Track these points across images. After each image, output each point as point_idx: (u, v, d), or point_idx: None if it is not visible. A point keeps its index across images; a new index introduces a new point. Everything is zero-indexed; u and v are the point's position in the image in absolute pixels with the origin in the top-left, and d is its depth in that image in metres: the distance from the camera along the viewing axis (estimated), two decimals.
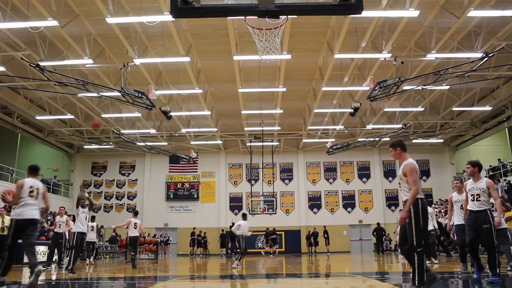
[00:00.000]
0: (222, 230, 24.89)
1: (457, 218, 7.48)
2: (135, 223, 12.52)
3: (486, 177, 7.69)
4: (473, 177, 6.14)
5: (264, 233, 23.27)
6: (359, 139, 24.08)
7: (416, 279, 4.36)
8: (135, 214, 13.35)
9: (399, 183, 4.94)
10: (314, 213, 26.79)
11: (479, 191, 5.95)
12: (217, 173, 27.45)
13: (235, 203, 26.76)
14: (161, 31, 13.95)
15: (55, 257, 13.40)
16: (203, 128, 23.39)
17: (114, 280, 8.74)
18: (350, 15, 11.00)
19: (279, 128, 23.08)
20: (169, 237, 25.31)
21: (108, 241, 23.69)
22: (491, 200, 6.15)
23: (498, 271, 5.58)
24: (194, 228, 24.37)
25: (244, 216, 12.87)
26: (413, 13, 11.86)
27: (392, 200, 26.89)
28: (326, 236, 23.91)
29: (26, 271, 11.27)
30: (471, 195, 6.02)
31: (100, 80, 16.65)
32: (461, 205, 7.28)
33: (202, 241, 24.29)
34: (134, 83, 17.61)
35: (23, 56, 14.24)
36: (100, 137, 24.39)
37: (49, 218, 18.35)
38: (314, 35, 15.30)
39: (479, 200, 5.92)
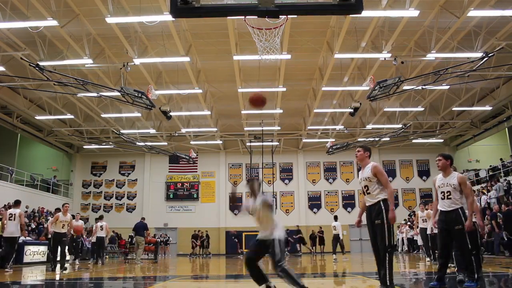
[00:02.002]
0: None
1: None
2: (101, 226, 14.46)
3: (492, 179, 7.04)
4: (444, 172, 5.34)
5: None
6: (359, 139, 24.07)
7: (388, 279, 4.49)
8: (100, 218, 15.17)
9: (365, 186, 4.87)
10: (314, 213, 26.78)
11: (450, 188, 5.18)
12: (217, 173, 27.44)
13: (235, 203, 26.73)
14: (161, 31, 13.94)
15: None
16: (203, 128, 23.37)
17: (114, 280, 8.74)
18: (350, 15, 10.99)
19: (279, 128, 23.07)
20: (168, 237, 25.29)
21: (108, 241, 23.67)
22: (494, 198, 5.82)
23: (476, 276, 4.97)
24: (198, 231, 24.18)
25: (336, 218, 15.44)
26: (413, 13, 11.85)
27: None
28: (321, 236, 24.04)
29: (26, 271, 11.26)
30: (441, 192, 5.25)
31: (100, 80, 16.63)
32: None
33: (205, 241, 24.28)
34: (134, 83, 17.60)
35: (23, 56, 14.23)
36: (99, 137, 24.38)
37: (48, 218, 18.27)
38: (314, 35, 15.29)
39: (450, 198, 5.16)
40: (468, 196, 5.14)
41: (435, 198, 5.51)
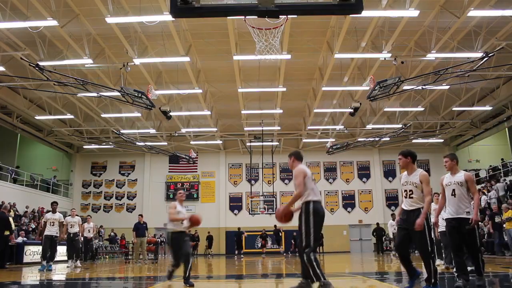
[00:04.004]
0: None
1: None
2: (88, 229, 14.80)
3: (490, 179, 6.65)
4: (407, 170, 5.16)
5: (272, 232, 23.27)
6: (359, 139, 24.06)
7: (314, 277, 4.67)
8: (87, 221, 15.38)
9: (410, 190, 5.15)
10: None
11: (412, 187, 4.96)
12: (217, 173, 27.43)
13: (235, 203, 26.75)
14: (161, 31, 13.93)
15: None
16: (203, 128, 23.36)
17: (113, 280, 8.73)
18: (350, 15, 10.98)
19: (279, 128, 23.07)
20: (165, 238, 25.19)
21: (108, 240, 23.67)
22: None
23: (433, 280, 4.71)
24: (195, 232, 24.25)
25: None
26: (413, 13, 11.85)
27: (392, 200, 26.87)
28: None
29: (26, 271, 11.27)
30: (404, 191, 5.06)
31: (99, 80, 16.63)
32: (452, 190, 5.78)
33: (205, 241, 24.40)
34: (133, 83, 17.59)
35: (23, 56, 14.22)
36: (99, 137, 24.38)
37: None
38: (314, 35, 15.28)
39: (412, 198, 4.94)
40: (428, 194, 4.91)
41: (441, 196, 5.52)
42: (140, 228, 14.73)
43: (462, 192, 5.22)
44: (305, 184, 4.93)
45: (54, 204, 11.60)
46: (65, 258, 13.44)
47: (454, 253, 5.26)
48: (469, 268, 5.77)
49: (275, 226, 23.15)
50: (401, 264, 5.08)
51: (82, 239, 13.41)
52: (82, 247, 13.47)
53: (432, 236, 5.06)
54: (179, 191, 7.46)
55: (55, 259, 12.74)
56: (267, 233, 22.64)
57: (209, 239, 25.01)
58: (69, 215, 13.28)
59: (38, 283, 8.13)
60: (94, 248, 18.05)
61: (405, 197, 5.03)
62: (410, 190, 4.98)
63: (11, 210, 16.48)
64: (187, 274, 6.46)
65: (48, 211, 12.73)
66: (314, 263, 4.63)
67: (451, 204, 5.29)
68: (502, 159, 22.13)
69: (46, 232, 11.11)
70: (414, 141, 25.07)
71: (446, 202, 5.40)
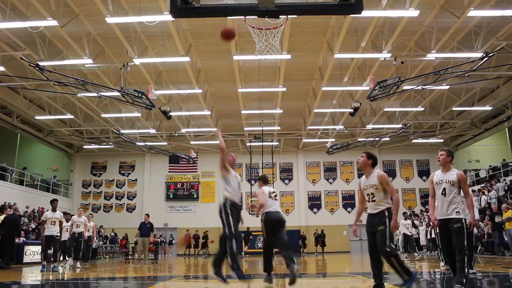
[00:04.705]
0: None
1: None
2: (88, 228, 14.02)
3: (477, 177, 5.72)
4: (364, 172, 4.98)
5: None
6: (359, 139, 24.06)
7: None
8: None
9: (371, 193, 5.08)
10: (314, 213, 26.78)
11: (372, 189, 4.81)
12: (217, 173, 27.38)
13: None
14: (161, 30, 13.93)
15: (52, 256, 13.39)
16: (203, 128, 23.36)
17: (113, 280, 8.73)
18: (350, 15, 10.98)
19: (279, 128, 23.07)
20: (165, 238, 25.16)
21: (108, 241, 23.68)
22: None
23: (406, 277, 4.71)
24: (187, 230, 24.39)
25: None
26: (413, 13, 11.85)
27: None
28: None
29: (26, 271, 11.26)
30: (366, 194, 4.90)
31: (99, 80, 16.62)
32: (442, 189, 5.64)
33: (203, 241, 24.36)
34: (133, 83, 17.59)
35: (23, 56, 14.22)
36: (99, 137, 24.37)
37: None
38: (314, 35, 15.28)
39: (374, 201, 4.80)
40: (393, 193, 4.78)
41: (431, 195, 5.25)
42: (143, 228, 14.73)
43: (453, 191, 4.96)
44: (262, 197, 6.59)
45: (54, 202, 10.94)
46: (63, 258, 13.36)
47: (447, 256, 5.08)
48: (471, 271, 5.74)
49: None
50: (372, 270, 4.90)
51: (87, 237, 13.11)
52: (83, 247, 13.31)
53: (428, 237, 5.00)
54: (231, 154, 6.81)
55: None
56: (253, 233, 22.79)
57: (206, 238, 24.98)
58: (72, 215, 13.25)
59: (38, 283, 8.12)
60: (92, 248, 17.99)
61: (368, 201, 4.87)
62: (371, 194, 4.83)
63: (11, 210, 16.46)
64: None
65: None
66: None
67: (440, 204, 5.03)
68: (503, 160, 22.11)
69: (46, 232, 10.51)
70: (414, 141, 25.07)
71: (436, 202, 5.14)
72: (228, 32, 5.52)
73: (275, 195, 6.71)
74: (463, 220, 4.85)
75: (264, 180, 6.98)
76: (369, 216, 4.87)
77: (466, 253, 4.85)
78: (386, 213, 4.73)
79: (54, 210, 10.77)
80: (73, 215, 13.31)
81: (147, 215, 15.55)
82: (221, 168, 6.25)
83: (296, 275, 5.51)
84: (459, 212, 4.90)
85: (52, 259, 10.67)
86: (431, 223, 10.38)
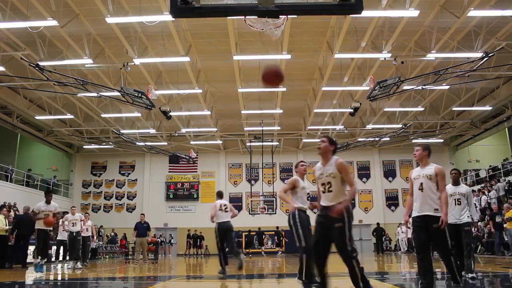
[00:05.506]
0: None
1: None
2: (86, 228, 13.46)
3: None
4: (323, 159, 4.48)
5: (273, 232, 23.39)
6: (359, 139, 24.07)
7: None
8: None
9: (327, 183, 4.68)
10: (314, 213, 26.58)
11: (329, 178, 4.31)
12: (217, 173, 27.42)
13: (235, 203, 26.62)
14: (161, 30, 13.93)
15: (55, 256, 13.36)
16: (203, 128, 23.36)
17: (113, 280, 8.74)
18: (350, 15, 10.98)
19: (279, 128, 23.06)
20: (165, 238, 25.16)
21: (108, 241, 23.68)
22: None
23: (361, 285, 4.25)
24: (188, 230, 24.45)
25: None
26: (413, 13, 11.84)
27: (392, 200, 26.88)
28: None
29: (27, 271, 11.25)
30: (322, 184, 4.39)
31: (99, 80, 16.62)
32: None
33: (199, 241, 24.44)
34: (133, 83, 17.59)
35: (23, 56, 14.22)
36: (99, 137, 24.38)
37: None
38: (314, 35, 15.28)
39: (331, 191, 4.29)
40: (352, 184, 4.29)
41: (410, 192, 4.97)
42: (140, 228, 14.54)
43: (430, 186, 4.66)
44: (214, 210, 8.34)
45: (48, 194, 10.04)
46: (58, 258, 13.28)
47: (418, 256, 4.69)
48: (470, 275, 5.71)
49: (277, 227, 23.22)
50: (316, 269, 4.40)
51: (85, 233, 12.57)
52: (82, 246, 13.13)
53: (404, 238, 4.68)
54: (301, 163, 6.24)
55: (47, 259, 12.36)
56: (266, 233, 22.75)
57: (201, 239, 25.02)
58: (66, 214, 13.12)
59: (38, 283, 8.12)
60: (92, 248, 17.96)
61: (323, 192, 4.34)
62: (328, 183, 4.31)
63: (11, 210, 16.47)
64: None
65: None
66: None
67: (417, 200, 4.75)
68: (505, 159, 22.09)
69: (38, 226, 9.71)
70: (414, 141, 25.03)
71: (414, 198, 4.86)
72: (274, 74, 4.65)
73: (226, 208, 8.35)
74: (345, 219, 4.35)
75: (218, 195, 8.70)
76: (323, 208, 4.33)
77: (453, 253, 4.65)
78: (346, 207, 4.19)
79: (48, 202, 9.88)
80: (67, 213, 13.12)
81: (143, 214, 15.53)
82: (286, 191, 5.97)
83: (242, 263, 8.13)
84: (437, 209, 4.60)
85: (39, 257, 9.67)
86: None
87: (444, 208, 4.60)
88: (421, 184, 4.73)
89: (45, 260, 10.06)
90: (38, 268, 9.54)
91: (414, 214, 4.77)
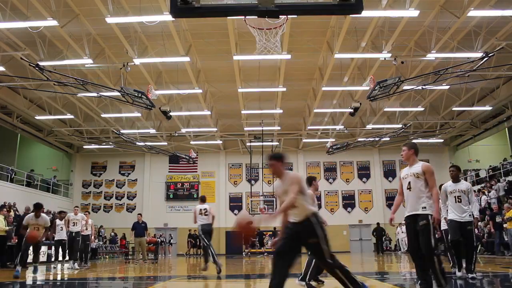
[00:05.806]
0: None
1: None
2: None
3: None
4: (277, 175, 4.22)
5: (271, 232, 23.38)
6: (359, 139, 24.07)
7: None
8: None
9: (409, 183, 4.91)
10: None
11: (286, 187, 4.07)
12: (217, 173, 27.42)
13: (235, 203, 26.73)
14: (161, 30, 13.93)
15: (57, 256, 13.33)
16: (203, 128, 23.36)
17: (113, 280, 8.73)
18: (350, 15, 10.98)
19: (279, 128, 23.06)
20: (165, 238, 25.16)
21: (108, 241, 23.68)
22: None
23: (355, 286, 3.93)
24: (189, 230, 24.50)
25: None
26: (413, 13, 11.85)
27: (392, 200, 26.84)
28: None
29: (28, 271, 11.25)
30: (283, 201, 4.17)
31: (99, 80, 16.62)
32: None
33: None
34: (133, 83, 17.59)
35: (23, 56, 14.21)
36: (99, 137, 24.38)
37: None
38: (314, 35, 15.28)
39: (296, 207, 4.04)
40: (305, 198, 4.02)
41: (399, 192, 4.99)
42: (138, 228, 14.55)
43: (418, 185, 4.64)
44: (195, 214, 9.51)
45: (38, 208, 9.21)
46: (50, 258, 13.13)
47: (412, 256, 4.71)
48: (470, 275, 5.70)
49: (274, 228, 23.17)
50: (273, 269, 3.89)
51: (85, 234, 12.42)
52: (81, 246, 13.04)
53: (404, 238, 4.54)
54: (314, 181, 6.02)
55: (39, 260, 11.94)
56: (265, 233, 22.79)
57: (197, 238, 25.09)
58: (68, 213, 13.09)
59: (38, 283, 8.12)
60: (92, 248, 17.92)
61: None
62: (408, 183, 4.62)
63: (11, 210, 16.46)
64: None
65: (32, 213, 9.48)
66: None
67: (407, 200, 4.76)
68: (504, 159, 22.10)
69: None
70: (414, 141, 25.06)
71: (405, 198, 4.86)
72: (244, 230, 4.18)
73: (205, 212, 9.34)
74: (429, 216, 4.49)
75: (201, 199, 9.83)
76: (293, 224, 3.99)
77: (436, 253, 4.48)
78: (314, 220, 3.87)
79: (37, 216, 9.16)
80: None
81: (140, 214, 15.54)
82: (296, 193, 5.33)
83: (220, 268, 8.62)
84: (425, 207, 4.55)
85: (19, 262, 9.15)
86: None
87: (436, 205, 4.57)
88: (409, 183, 4.72)
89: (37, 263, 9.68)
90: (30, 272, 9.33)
91: (405, 214, 4.75)
